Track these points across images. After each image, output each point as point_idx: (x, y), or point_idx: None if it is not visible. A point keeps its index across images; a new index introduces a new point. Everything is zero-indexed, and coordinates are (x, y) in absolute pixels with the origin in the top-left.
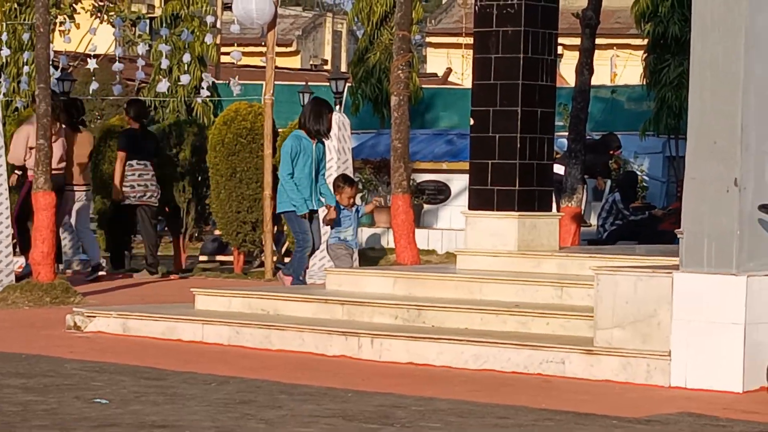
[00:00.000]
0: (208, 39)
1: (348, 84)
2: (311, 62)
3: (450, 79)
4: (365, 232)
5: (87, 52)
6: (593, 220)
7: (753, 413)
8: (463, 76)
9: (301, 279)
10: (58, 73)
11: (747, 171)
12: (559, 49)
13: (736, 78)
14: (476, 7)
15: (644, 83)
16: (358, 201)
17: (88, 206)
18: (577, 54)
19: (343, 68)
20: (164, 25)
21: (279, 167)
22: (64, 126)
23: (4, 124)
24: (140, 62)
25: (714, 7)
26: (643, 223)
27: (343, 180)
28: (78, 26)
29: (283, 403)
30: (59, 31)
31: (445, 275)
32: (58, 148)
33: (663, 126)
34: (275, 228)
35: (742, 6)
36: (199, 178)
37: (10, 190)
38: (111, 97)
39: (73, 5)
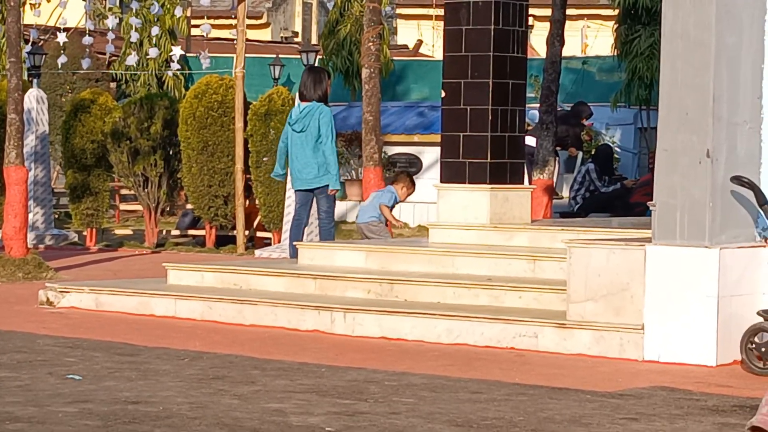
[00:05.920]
0: (178, 12)
1: (319, 56)
2: (282, 35)
3: (421, 50)
4: (338, 206)
5: (57, 25)
6: (565, 192)
7: (727, 387)
8: (434, 47)
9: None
10: (28, 47)
11: (719, 142)
12: (530, 21)
13: (708, 49)
14: None
15: (615, 54)
16: None
17: None
18: (547, 25)
19: (314, 41)
20: None
21: (323, 141)
22: None
23: None
24: (110, 35)
25: None
26: (615, 194)
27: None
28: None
29: (256, 379)
30: (29, 4)
31: (418, 249)
32: None
33: (634, 97)
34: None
35: None
36: (171, 152)
37: None
38: (81, 71)
39: None
